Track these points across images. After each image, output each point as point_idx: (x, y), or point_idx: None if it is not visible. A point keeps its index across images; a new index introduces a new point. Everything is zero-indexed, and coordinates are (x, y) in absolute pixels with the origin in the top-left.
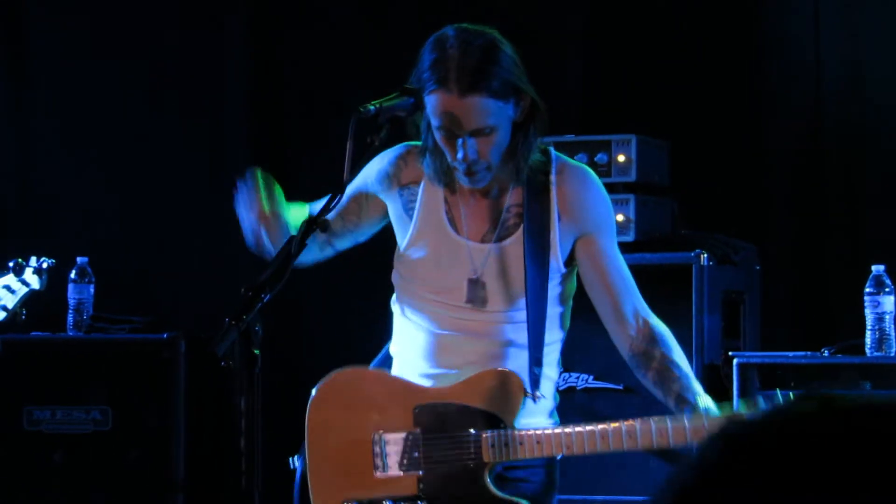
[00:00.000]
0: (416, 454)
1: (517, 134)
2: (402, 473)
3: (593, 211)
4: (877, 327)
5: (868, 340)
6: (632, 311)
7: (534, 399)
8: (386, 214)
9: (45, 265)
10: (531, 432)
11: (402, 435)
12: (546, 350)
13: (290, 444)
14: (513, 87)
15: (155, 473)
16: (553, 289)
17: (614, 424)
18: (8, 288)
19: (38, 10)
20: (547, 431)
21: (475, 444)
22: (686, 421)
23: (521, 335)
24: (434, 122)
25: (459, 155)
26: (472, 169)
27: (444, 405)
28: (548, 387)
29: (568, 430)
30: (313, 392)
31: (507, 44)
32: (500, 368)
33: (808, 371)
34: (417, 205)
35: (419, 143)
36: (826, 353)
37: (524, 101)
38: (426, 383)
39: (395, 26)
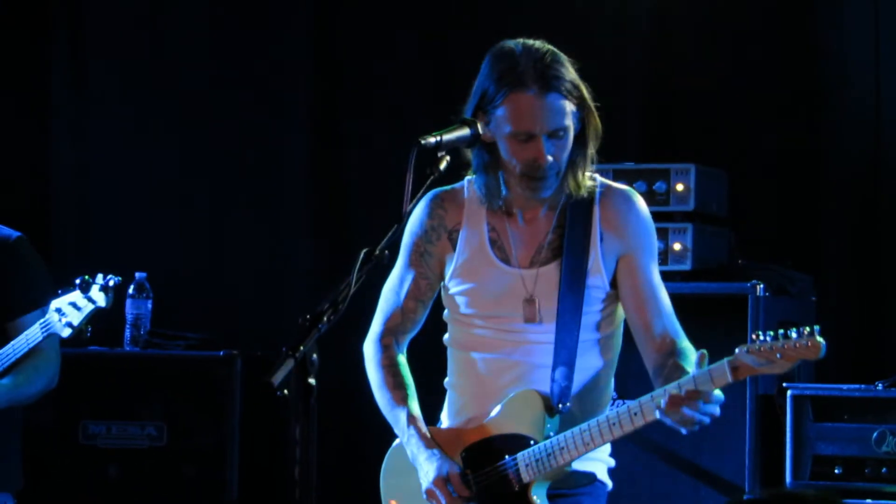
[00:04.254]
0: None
1: (575, 145)
2: None
3: (635, 230)
4: None
5: None
6: (661, 330)
7: (558, 412)
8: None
9: (111, 283)
10: (556, 440)
11: None
12: (594, 374)
13: (344, 472)
14: (579, 92)
15: (209, 492)
16: (599, 311)
17: (621, 410)
18: (74, 305)
19: (100, 27)
20: (568, 436)
21: (514, 468)
22: (678, 384)
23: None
24: (507, 130)
25: (537, 158)
26: (544, 174)
27: (484, 441)
28: (592, 409)
29: (584, 427)
30: (383, 464)
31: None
32: (525, 389)
33: (862, 404)
34: (461, 240)
35: (444, 187)
36: (880, 387)
37: (584, 112)
38: (477, 412)
39: (456, 55)
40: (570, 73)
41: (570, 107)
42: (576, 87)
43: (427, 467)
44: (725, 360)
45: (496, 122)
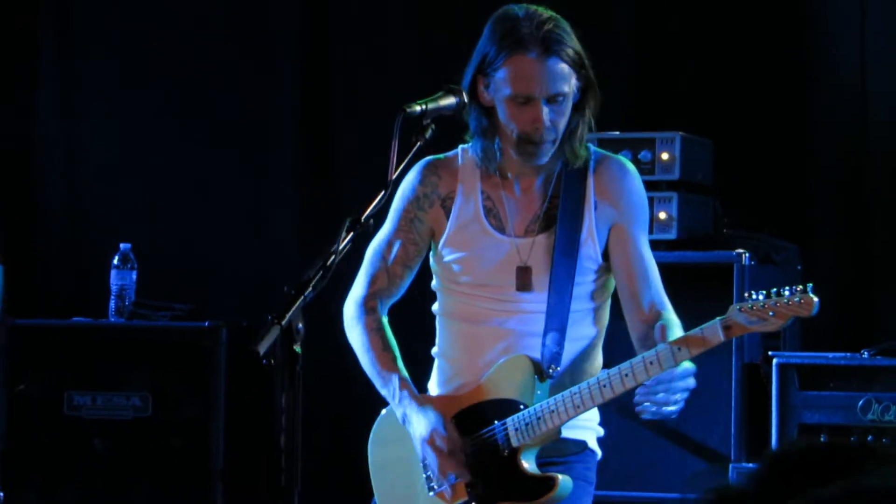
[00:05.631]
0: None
1: (574, 113)
2: (451, 485)
3: (628, 199)
4: None
5: None
6: (648, 301)
7: (549, 376)
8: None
9: None
10: (546, 405)
11: None
12: (581, 344)
13: (331, 441)
14: (580, 59)
15: (194, 461)
16: (590, 281)
17: (612, 372)
18: None
19: (85, 7)
20: (558, 399)
21: (502, 433)
22: (669, 345)
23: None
24: (507, 92)
25: (534, 123)
26: (542, 139)
27: (473, 406)
28: (584, 378)
29: (574, 389)
30: (371, 434)
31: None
32: (515, 355)
33: (847, 372)
34: (455, 208)
35: (437, 155)
36: (865, 355)
37: (583, 80)
38: (467, 380)
39: (444, 24)
40: (572, 40)
41: (570, 73)
42: (577, 54)
43: (421, 421)
44: (717, 319)
45: (496, 84)
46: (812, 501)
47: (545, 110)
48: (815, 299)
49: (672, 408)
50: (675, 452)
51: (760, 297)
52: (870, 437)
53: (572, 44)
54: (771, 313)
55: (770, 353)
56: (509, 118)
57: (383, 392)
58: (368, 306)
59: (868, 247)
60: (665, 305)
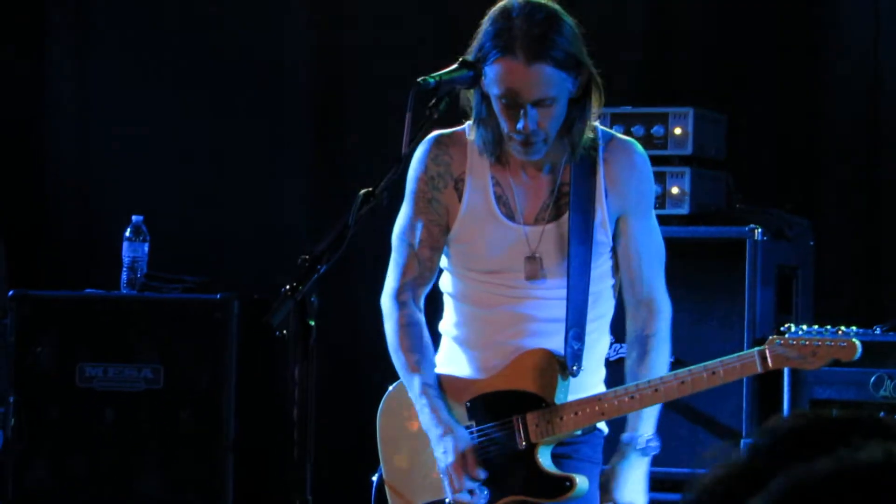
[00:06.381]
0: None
1: (573, 109)
2: None
3: (634, 192)
4: None
5: None
6: (641, 298)
7: (572, 374)
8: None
9: None
10: (569, 405)
11: None
12: (596, 324)
13: (342, 415)
14: (574, 60)
15: (205, 433)
16: (603, 263)
17: (641, 384)
18: None
19: None
20: (583, 402)
21: (522, 427)
22: (703, 368)
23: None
24: (495, 91)
25: (520, 125)
26: (529, 140)
27: (492, 394)
28: (595, 360)
29: (601, 395)
30: (380, 406)
31: (569, 17)
32: (538, 348)
33: None
34: (466, 193)
35: (444, 131)
36: (878, 331)
37: (583, 75)
38: (479, 364)
39: None
40: (566, 40)
41: (560, 77)
42: (571, 55)
43: (442, 446)
44: (755, 349)
45: (488, 79)
46: (796, 477)
47: (532, 114)
48: (859, 345)
49: None
50: (687, 428)
51: (801, 332)
52: (881, 414)
53: (566, 46)
54: (812, 353)
55: (782, 328)
56: (500, 115)
57: (410, 394)
58: (401, 300)
59: (880, 222)
60: (656, 303)
